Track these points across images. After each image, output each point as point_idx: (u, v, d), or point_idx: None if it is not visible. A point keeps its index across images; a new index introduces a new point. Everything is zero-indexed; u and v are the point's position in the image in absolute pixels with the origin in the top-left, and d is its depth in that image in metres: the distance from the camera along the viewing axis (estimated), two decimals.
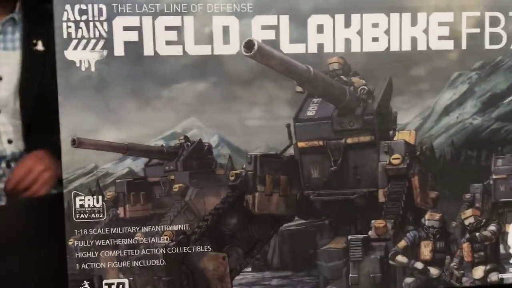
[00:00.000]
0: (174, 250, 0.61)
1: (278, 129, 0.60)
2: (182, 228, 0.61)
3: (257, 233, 0.63)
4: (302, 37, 0.59)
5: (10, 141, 1.53)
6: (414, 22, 0.59)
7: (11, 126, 1.52)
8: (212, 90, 0.59)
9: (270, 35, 0.58)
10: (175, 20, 0.57)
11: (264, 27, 0.58)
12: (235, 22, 0.58)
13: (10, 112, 1.52)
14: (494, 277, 0.62)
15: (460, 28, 0.60)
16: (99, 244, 0.60)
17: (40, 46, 1.54)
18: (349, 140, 0.61)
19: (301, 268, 0.63)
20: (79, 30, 0.56)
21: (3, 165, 1.53)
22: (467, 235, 0.62)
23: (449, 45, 0.60)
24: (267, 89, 0.59)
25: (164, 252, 0.61)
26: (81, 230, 0.60)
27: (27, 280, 0.72)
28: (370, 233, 0.61)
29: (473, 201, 0.62)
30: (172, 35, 0.57)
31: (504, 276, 0.62)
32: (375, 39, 0.59)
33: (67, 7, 0.56)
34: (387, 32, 0.59)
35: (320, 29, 0.58)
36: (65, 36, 0.56)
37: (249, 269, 0.63)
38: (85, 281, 0.60)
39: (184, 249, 0.61)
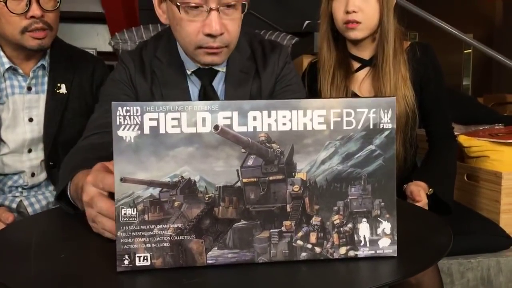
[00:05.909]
0: (175, 238, 0.79)
1: (232, 172, 0.79)
2: (179, 226, 0.78)
3: (220, 228, 0.80)
4: (244, 123, 0.78)
5: (33, 174, 1.55)
6: (305, 115, 0.80)
7: (37, 161, 1.54)
8: (196, 151, 0.78)
9: (228, 121, 0.78)
10: (176, 114, 0.78)
11: (224, 118, 0.78)
12: (209, 115, 0.78)
13: (39, 151, 1.54)
14: (351, 253, 0.83)
15: (330, 118, 0.80)
16: (134, 234, 0.78)
17: (63, 89, 1.54)
18: (271, 178, 0.80)
19: (244, 248, 0.80)
20: (125, 120, 0.77)
21: (20, 189, 1.57)
22: (336, 229, 0.82)
23: (323, 127, 0.80)
24: (226, 151, 0.78)
25: (169, 239, 0.79)
26: (124, 226, 0.78)
27: (91, 256, 0.89)
28: (282, 228, 0.80)
29: (338, 211, 0.81)
30: (175, 122, 0.77)
31: (357, 252, 0.83)
32: (284, 124, 0.80)
33: (119, 108, 0.77)
34: (291, 120, 0.79)
35: (254, 118, 0.79)
36: (118, 123, 0.77)
37: (216, 248, 0.80)
38: (126, 255, 0.78)
39: (180, 237, 0.79)
